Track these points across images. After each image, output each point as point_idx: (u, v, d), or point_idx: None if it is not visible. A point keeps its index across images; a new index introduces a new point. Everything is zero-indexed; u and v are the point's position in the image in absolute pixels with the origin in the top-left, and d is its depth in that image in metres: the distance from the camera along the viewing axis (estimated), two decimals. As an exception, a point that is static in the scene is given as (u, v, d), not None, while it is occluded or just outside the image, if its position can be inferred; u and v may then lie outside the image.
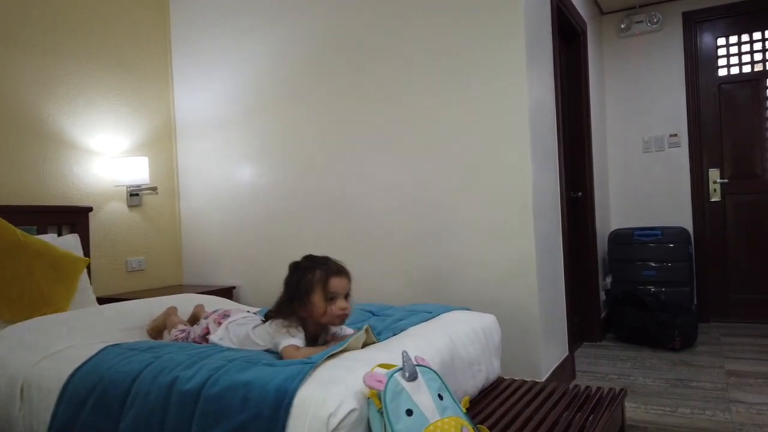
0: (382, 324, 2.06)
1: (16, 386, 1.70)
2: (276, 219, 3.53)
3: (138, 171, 3.38)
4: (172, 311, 2.24)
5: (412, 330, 1.92)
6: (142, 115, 3.66)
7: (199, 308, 2.32)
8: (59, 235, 3.05)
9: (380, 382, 1.31)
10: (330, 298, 1.72)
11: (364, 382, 1.31)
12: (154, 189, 3.53)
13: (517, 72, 2.77)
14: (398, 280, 3.13)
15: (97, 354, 1.68)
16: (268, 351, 1.71)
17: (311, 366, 1.42)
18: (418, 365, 1.42)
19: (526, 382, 2.21)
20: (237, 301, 3.62)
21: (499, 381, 2.23)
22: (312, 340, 1.77)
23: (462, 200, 2.95)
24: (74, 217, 3.16)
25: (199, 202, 3.81)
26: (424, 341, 1.77)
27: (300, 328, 1.70)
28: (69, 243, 2.86)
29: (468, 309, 2.42)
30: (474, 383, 1.98)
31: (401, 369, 1.36)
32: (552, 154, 3.18)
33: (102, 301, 3.15)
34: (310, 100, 3.39)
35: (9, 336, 1.91)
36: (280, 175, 3.52)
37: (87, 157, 3.30)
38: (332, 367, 1.44)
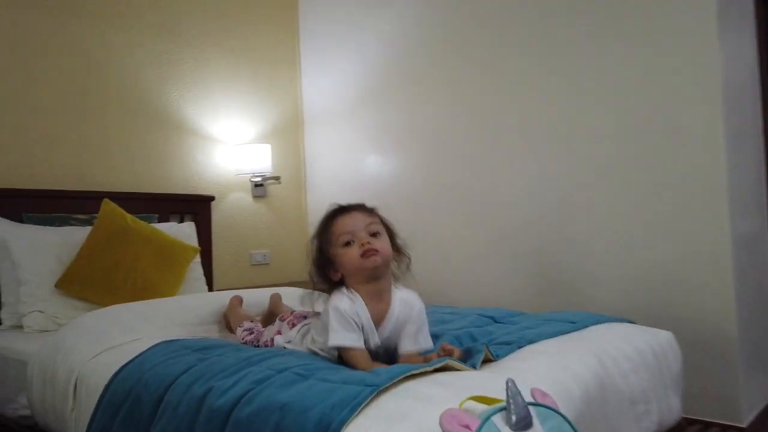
0: (503, 331, 1.54)
1: (71, 382, 1.49)
2: (404, 213, 3.14)
3: (261, 159, 3.21)
4: (234, 303, 1.93)
5: (541, 345, 1.38)
6: (268, 101, 3.50)
7: (276, 301, 1.98)
8: (180, 221, 2.96)
9: (467, 428, 0.82)
10: (346, 243, 1.33)
11: (442, 425, 0.83)
12: (277, 179, 3.34)
13: (706, 41, 2.10)
14: (532, 284, 2.56)
15: (144, 352, 1.40)
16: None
17: (373, 390, 0.97)
18: (536, 404, 0.90)
19: (722, 428, 1.53)
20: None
21: (680, 427, 1.58)
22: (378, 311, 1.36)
23: (619, 189, 2.30)
24: (196, 207, 3.06)
25: (326, 193, 3.55)
26: (557, 363, 1.23)
27: (353, 293, 1.33)
28: (184, 232, 2.74)
29: (631, 321, 1.78)
30: (638, 430, 1.37)
31: (504, 409, 0.86)
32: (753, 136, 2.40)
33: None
34: (445, 84, 2.97)
35: (82, 323, 1.73)
36: (410, 165, 3.13)
37: (210, 145, 3.20)
38: (402, 393, 0.98)
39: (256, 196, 3.41)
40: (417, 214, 3.07)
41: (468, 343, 1.46)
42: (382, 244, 1.32)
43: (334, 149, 3.51)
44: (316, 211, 3.58)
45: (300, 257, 3.55)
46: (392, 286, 1.38)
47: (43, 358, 1.64)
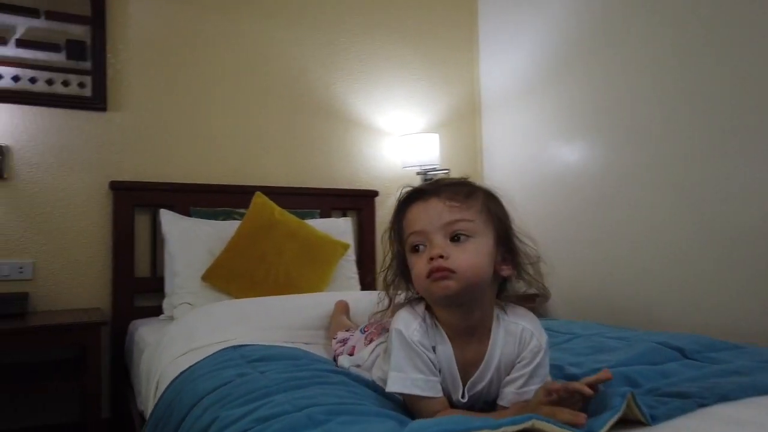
0: (686, 375, 1.00)
1: (153, 382, 1.37)
2: (598, 210, 2.57)
3: (428, 151, 2.92)
4: (339, 308, 1.63)
5: (742, 407, 0.83)
6: (441, 88, 3.20)
7: (341, 308, 1.65)
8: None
9: None
10: (414, 247, 0.92)
11: None
12: (446, 171, 3.02)
13: None
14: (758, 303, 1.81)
15: (204, 359, 1.20)
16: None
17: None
18: None
19: None
20: (544, 314, 2.78)
21: None
22: (465, 334, 0.93)
23: None
24: (359, 202, 2.90)
25: (505, 187, 3.09)
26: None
27: (431, 317, 0.93)
28: (338, 227, 2.58)
29: None
30: None
31: None
32: None
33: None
34: (652, 52, 2.34)
35: (185, 320, 1.64)
36: (604, 154, 2.55)
37: (375, 137, 3.02)
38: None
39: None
40: (609, 209, 2.48)
41: (618, 386, 0.96)
42: (465, 257, 0.87)
43: (514, 137, 3.06)
44: (493, 208, 3.17)
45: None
46: (495, 317, 0.94)
47: (150, 352, 1.57)
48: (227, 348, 1.27)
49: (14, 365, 2.17)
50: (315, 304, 1.72)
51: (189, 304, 2.15)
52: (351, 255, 2.55)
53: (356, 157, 2.97)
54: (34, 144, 2.32)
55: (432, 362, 0.90)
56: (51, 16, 2.36)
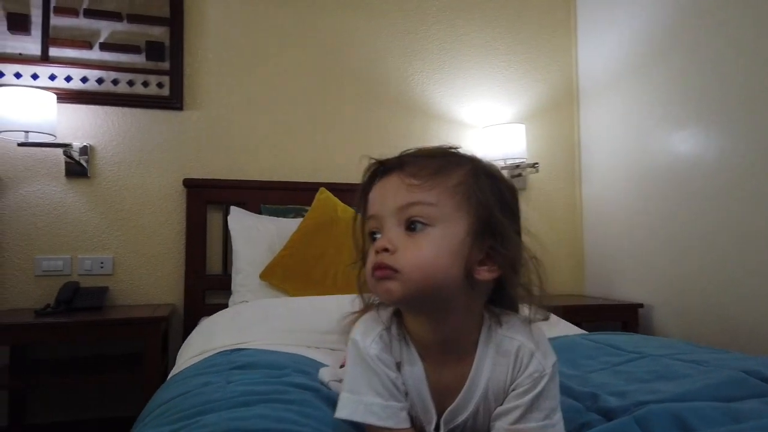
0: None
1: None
2: (712, 208, 2.17)
3: (513, 143, 2.66)
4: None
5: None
6: (531, 75, 2.92)
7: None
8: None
9: None
10: (371, 236, 0.73)
11: None
12: (533, 166, 2.72)
13: None
14: None
15: (198, 362, 1.09)
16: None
17: None
18: None
19: None
20: (646, 328, 2.40)
21: None
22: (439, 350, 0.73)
23: None
24: (437, 200, 2.70)
25: (604, 186, 2.76)
26: None
27: (399, 327, 0.74)
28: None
29: None
30: None
31: None
32: None
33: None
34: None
35: (210, 320, 1.55)
36: (719, 145, 2.14)
37: (456, 129, 2.81)
38: None
39: (514, 189, 2.85)
40: (724, 207, 2.07)
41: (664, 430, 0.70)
42: (414, 253, 0.67)
43: (616, 127, 2.69)
44: (593, 209, 2.82)
45: (572, 265, 2.85)
46: (484, 329, 0.73)
47: (181, 352, 1.51)
48: (223, 352, 1.16)
49: (87, 358, 2.26)
50: (347, 305, 1.56)
51: (247, 302, 2.10)
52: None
53: (435, 152, 2.78)
54: (116, 143, 2.41)
55: (395, 384, 0.71)
56: (132, 19, 2.44)
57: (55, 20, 2.35)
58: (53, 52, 2.34)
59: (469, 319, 0.72)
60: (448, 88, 2.80)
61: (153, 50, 2.46)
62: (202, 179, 2.46)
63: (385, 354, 0.72)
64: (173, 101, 2.47)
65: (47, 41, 2.34)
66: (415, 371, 0.72)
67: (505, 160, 2.70)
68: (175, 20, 2.49)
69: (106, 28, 2.41)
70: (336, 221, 2.18)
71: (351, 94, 2.69)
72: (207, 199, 2.46)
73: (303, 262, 2.11)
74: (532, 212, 2.85)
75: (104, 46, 2.40)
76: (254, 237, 2.24)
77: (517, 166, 2.75)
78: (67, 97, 2.33)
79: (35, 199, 2.30)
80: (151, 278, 2.41)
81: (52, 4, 2.35)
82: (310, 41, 2.66)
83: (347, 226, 1.98)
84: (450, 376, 0.73)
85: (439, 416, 0.73)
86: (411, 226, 0.69)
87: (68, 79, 2.35)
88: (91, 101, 2.38)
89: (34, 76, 2.32)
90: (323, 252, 2.12)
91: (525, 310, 0.74)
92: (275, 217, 2.37)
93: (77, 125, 2.37)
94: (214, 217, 2.48)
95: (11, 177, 2.28)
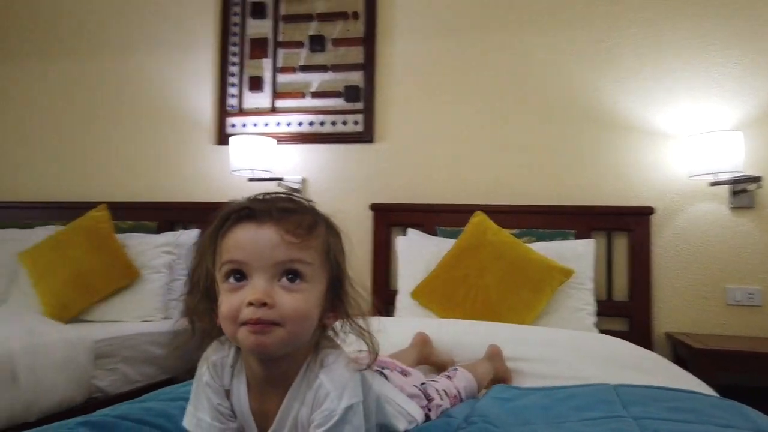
0: None
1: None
2: None
3: (728, 154, 2.22)
4: (420, 340, 1.37)
5: None
6: (755, 73, 2.37)
7: (419, 342, 1.35)
8: (608, 242, 2.43)
9: None
10: (231, 274, 0.75)
11: None
12: (755, 180, 2.20)
13: None
14: None
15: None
16: None
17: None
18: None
19: None
20: None
21: None
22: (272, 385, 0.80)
23: None
24: (628, 222, 2.42)
25: None
26: None
27: (236, 358, 0.81)
28: (572, 250, 2.25)
29: None
30: None
31: None
32: None
33: (671, 338, 2.27)
34: None
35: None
36: None
37: (653, 140, 2.47)
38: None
39: (735, 207, 2.35)
40: None
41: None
42: (295, 305, 0.73)
43: None
44: None
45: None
46: (303, 366, 0.79)
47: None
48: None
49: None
50: (409, 331, 1.58)
51: (389, 317, 2.26)
52: (587, 283, 2.17)
53: (627, 168, 2.49)
54: (321, 174, 2.86)
55: (218, 408, 0.80)
56: (335, 68, 2.87)
57: (280, 78, 2.93)
58: (278, 103, 2.92)
59: (297, 359, 0.78)
60: (644, 96, 2.49)
61: (350, 93, 2.84)
62: (387, 204, 2.72)
63: (213, 382, 0.80)
64: (365, 135, 2.80)
65: (274, 95, 2.93)
66: (241, 398, 0.80)
67: (715, 173, 2.26)
68: (368, 66, 2.83)
69: (316, 80, 2.89)
70: (483, 245, 2.19)
71: (531, 113, 2.62)
72: (391, 221, 2.71)
73: (448, 283, 2.17)
74: (761, 236, 2.30)
75: (314, 94, 2.88)
76: (415, 257, 2.39)
77: (738, 181, 2.27)
78: (287, 139, 2.87)
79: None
80: (346, 291, 2.76)
81: (278, 65, 2.93)
82: (488, 66, 2.69)
83: (494, 249, 2.01)
84: (270, 404, 0.79)
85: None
86: (288, 277, 0.74)
87: (288, 124, 2.90)
88: (304, 141, 2.87)
89: (266, 124, 2.92)
90: (467, 274, 2.15)
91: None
92: (444, 239, 2.47)
93: (295, 161, 2.88)
94: (398, 239, 2.71)
95: (247, 205, 2.91)
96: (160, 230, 2.82)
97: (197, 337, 0.82)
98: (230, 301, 0.73)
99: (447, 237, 2.50)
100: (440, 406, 1.10)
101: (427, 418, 1.03)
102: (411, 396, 1.03)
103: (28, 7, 3.23)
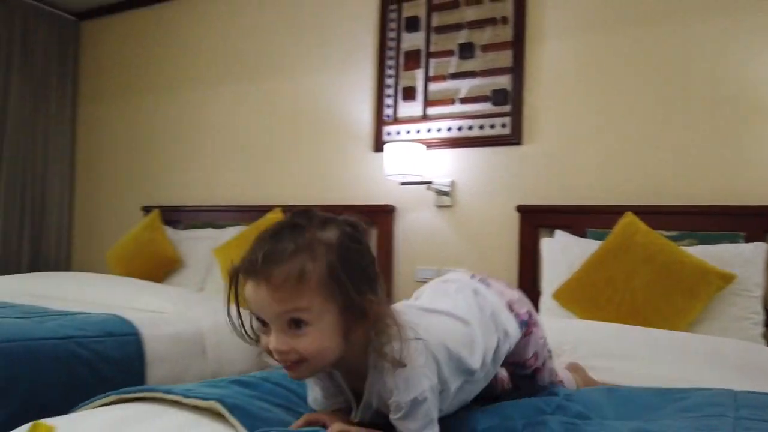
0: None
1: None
2: None
3: None
4: (574, 367, 1.39)
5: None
6: None
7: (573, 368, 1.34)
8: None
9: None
10: (260, 321, 0.86)
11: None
12: None
13: None
14: None
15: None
16: None
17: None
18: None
19: None
20: None
21: None
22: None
23: None
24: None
25: None
26: None
27: None
28: (741, 253, 2.06)
29: None
30: None
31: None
32: None
33: None
34: None
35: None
36: None
37: None
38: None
39: None
40: None
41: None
42: (309, 346, 0.83)
43: None
44: None
45: None
46: (370, 360, 0.89)
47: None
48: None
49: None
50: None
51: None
52: (754, 290, 1.98)
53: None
54: (469, 177, 2.95)
55: (328, 389, 0.99)
56: (484, 74, 2.95)
57: (431, 86, 3.08)
58: (429, 110, 3.08)
59: (354, 361, 0.91)
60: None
61: (498, 97, 2.89)
62: (533, 205, 2.73)
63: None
64: (513, 138, 2.83)
65: (426, 103, 3.09)
66: (341, 381, 0.98)
67: None
68: (517, 69, 2.85)
69: (465, 86, 2.99)
70: (631, 247, 2.11)
71: (693, 108, 2.44)
72: (538, 223, 2.71)
73: (591, 286, 2.14)
74: None
75: (463, 100, 2.99)
76: (560, 259, 2.38)
77: None
78: (437, 144, 3.02)
79: (416, 222, 3.07)
80: (494, 291, 2.82)
81: (429, 74, 3.09)
82: (644, 61, 2.56)
83: (643, 251, 2.01)
84: (359, 383, 0.93)
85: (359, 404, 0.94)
86: (293, 324, 0.84)
87: (438, 130, 3.04)
88: (453, 145, 2.99)
89: (418, 131, 3.09)
90: (612, 276, 2.09)
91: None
92: (592, 240, 2.42)
93: (445, 165, 3.01)
94: (545, 240, 2.70)
95: (401, 207, 3.10)
96: (325, 230, 3.15)
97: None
98: (264, 341, 0.87)
99: (597, 239, 2.44)
100: (543, 338, 1.18)
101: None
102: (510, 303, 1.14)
103: (222, 40, 3.80)
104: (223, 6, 3.81)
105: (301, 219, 0.88)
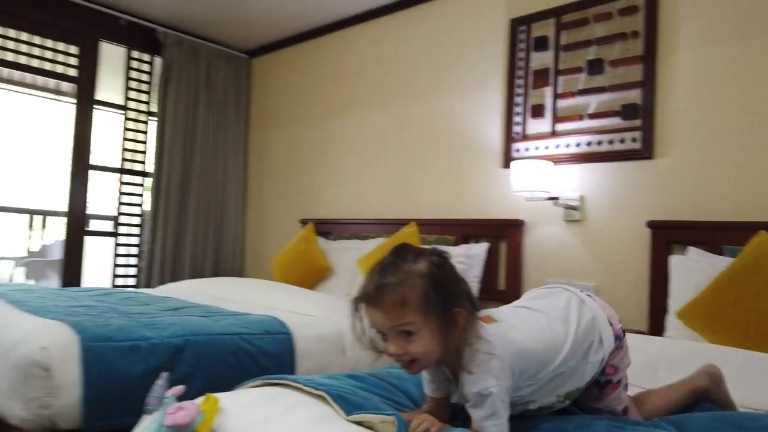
0: None
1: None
2: None
3: None
4: (709, 374, 1.43)
5: None
6: None
7: (712, 375, 1.33)
8: None
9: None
10: (379, 332, 1.15)
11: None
12: None
13: None
14: None
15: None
16: None
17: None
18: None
19: None
20: None
21: None
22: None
23: None
24: None
25: None
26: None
27: None
28: None
29: None
30: None
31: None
32: None
33: None
34: None
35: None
36: None
37: None
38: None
39: None
40: None
41: None
42: (419, 349, 1.11)
43: None
44: None
45: None
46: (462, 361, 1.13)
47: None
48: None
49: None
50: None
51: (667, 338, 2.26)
52: None
53: None
54: (598, 192, 2.97)
55: (437, 377, 1.26)
56: (612, 89, 2.95)
57: (559, 103, 3.15)
58: (557, 127, 3.15)
59: (450, 357, 1.16)
60: None
61: (628, 111, 2.88)
62: (665, 221, 2.68)
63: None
64: (643, 152, 2.81)
65: (554, 120, 3.17)
66: (447, 372, 1.21)
67: None
68: (648, 83, 2.83)
69: (593, 101, 3.02)
70: (762, 267, 2.04)
71: None
72: (669, 239, 2.66)
73: (717, 306, 2.10)
74: None
75: (592, 116, 3.02)
76: (688, 277, 2.34)
77: None
78: (566, 159, 3.08)
79: (544, 237, 3.15)
80: (624, 306, 2.80)
81: (558, 91, 3.16)
82: (788, 66, 2.41)
83: None
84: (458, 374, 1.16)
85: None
86: (404, 334, 1.12)
87: (567, 146, 3.10)
88: (582, 161, 3.04)
89: (546, 147, 3.18)
90: (739, 297, 2.05)
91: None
92: (725, 258, 2.35)
93: (573, 180, 3.07)
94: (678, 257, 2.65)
95: (529, 221, 3.21)
96: (457, 243, 3.36)
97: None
98: (386, 347, 1.15)
99: (733, 256, 2.36)
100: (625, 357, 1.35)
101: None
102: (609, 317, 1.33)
103: (369, 68, 4.19)
104: (372, 38, 4.20)
105: (399, 256, 1.16)
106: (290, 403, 1.12)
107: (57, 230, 5.27)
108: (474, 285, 3.15)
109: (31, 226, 5.95)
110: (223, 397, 1.12)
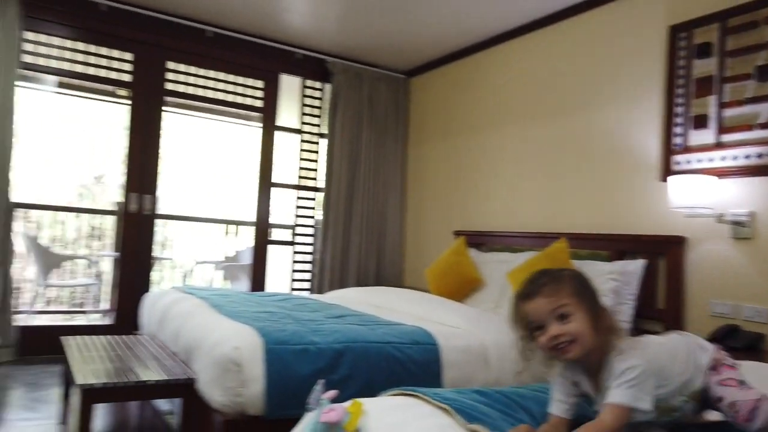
0: None
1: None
2: None
3: None
4: None
5: None
6: None
7: None
8: None
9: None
10: (535, 328, 1.32)
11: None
12: None
13: None
14: None
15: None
16: None
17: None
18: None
19: None
20: None
21: None
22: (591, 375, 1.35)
23: None
24: None
25: None
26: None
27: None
28: None
29: None
30: None
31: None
32: None
33: None
34: None
35: None
36: None
37: None
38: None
39: None
40: None
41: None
42: (575, 328, 1.27)
43: None
44: None
45: None
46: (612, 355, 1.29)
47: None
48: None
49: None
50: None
51: None
52: None
53: None
54: (771, 208, 2.74)
55: (568, 389, 1.38)
56: (788, 95, 2.71)
57: (725, 112, 2.96)
58: (723, 138, 2.96)
59: (594, 358, 1.30)
60: None
61: (807, 119, 2.63)
62: None
63: (563, 378, 1.38)
64: (826, 164, 2.54)
65: (719, 130, 2.98)
66: (581, 379, 1.35)
67: None
68: (831, 84, 2.55)
69: (765, 110, 2.79)
70: None
71: None
72: None
73: None
74: None
75: (762, 125, 2.79)
76: None
77: None
78: (732, 172, 2.88)
79: (709, 254, 2.97)
80: (801, 334, 2.58)
81: (723, 100, 2.97)
82: None
83: None
84: (595, 376, 1.32)
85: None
86: (561, 318, 1.29)
87: (735, 158, 2.90)
88: (751, 174, 2.82)
89: (710, 159, 3.00)
90: None
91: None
92: None
93: (741, 195, 2.86)
94: None
95: (690, 238, 3.05)
96: (611, 259, 3.30)
97: (535, 361, 1.38)
98: (541, 339, 1.32)
99: None
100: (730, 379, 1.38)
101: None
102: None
103: (522, 83, 4.26)
104: (523, 53, 4.26)
105: (543, 271, 1.38)
106: (420, 412, 1.32)
107: (247, 238, 6.06)
108: (629, 303, 3.09)
109: (226, 234, 6.93)
110: (367, 402, 1.36)
